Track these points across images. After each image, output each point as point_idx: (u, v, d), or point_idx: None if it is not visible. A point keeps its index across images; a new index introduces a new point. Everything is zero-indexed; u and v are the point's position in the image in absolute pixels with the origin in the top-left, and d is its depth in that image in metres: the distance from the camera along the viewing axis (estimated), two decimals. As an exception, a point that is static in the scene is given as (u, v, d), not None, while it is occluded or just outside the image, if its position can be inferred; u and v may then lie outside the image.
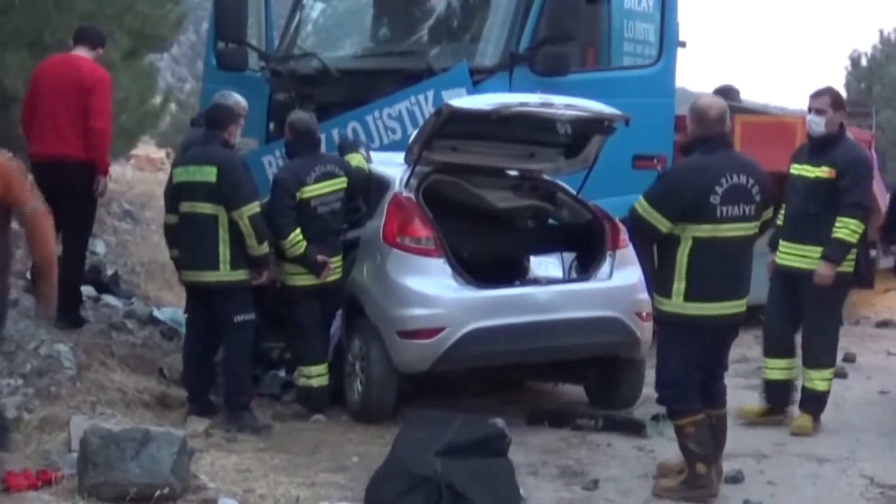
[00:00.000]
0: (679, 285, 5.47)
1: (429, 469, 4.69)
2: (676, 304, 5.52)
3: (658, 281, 5.62)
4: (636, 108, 7.54)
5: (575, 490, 5.78)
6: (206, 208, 6.65)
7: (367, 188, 7.37)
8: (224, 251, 6.63)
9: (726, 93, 10.77)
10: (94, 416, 6.41)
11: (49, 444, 5.93)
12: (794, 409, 7.16)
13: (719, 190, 5.42)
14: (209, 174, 6.62)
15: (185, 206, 6.75)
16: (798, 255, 6.90)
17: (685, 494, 5.53)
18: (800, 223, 6.88)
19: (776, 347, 7.22)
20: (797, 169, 6.98)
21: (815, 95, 6.98)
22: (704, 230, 5.44)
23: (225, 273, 6.65)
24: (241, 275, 6.70)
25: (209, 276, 6.69)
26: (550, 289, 7.06)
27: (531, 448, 6.42)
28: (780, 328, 7.18)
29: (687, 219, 5.43)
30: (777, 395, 7.24)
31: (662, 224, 5.44)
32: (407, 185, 7.03)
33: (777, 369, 7.20)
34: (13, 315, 6.98)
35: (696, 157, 5.58)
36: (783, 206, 7.01)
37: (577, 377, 7.60)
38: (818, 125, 6.88)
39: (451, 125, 6.88)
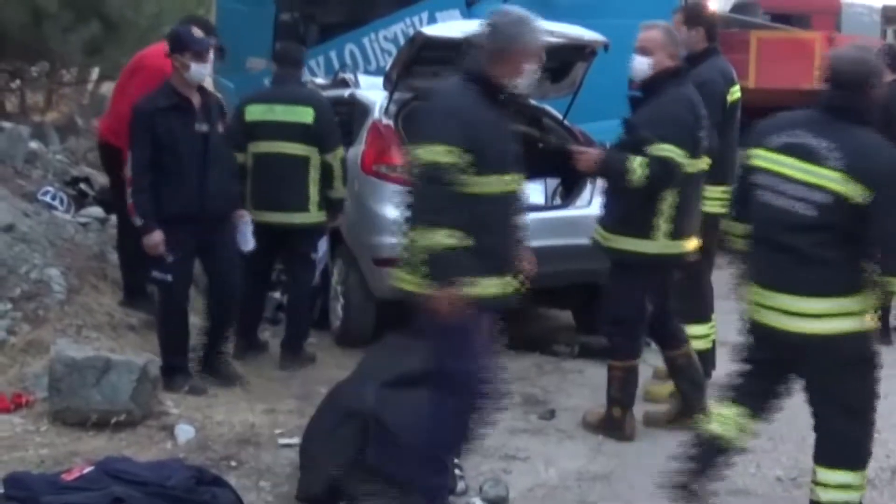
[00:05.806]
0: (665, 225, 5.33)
1: (361, 402, 4.73)
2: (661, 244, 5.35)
3: (636, 223, 5.39)
4: (632, 30, 7.38)
5: (530, 419, 5.78)
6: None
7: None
8: None
9: (745, 8, 10.51)
10: (79, 339, 6.55)
11: (33, 366, 6.07)
12: None
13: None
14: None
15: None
16: None
17: (602, 432, 5.51)
18: None
19: None
20: None
21: None
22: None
23: None
24: None
25: None
26: (530, 216, 7.02)
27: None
28: None
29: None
30: None
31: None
32: (386, 112, 7.03)
33: None
34: (7, 239, 7.12)
35: None
36: None
37: (562, 303, 7.63)
38: None
39: (430, 52, 6.84)
